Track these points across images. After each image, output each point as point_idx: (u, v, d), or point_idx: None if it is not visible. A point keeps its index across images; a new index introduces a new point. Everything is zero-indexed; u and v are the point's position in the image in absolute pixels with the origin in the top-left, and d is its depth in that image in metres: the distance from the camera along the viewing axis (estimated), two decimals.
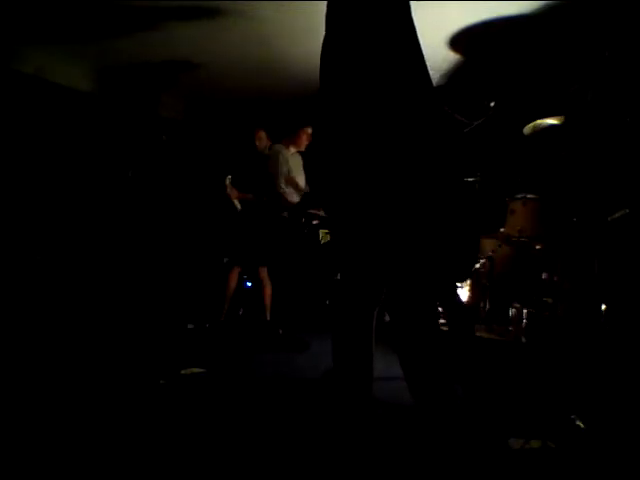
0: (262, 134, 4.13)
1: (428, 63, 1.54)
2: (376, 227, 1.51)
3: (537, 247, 3.18)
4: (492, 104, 3.34)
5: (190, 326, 4.10)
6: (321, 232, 4.62)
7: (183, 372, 2.83)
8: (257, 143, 4.12)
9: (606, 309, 2.28)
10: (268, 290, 4.13)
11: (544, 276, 3.12)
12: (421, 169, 1.51)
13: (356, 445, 1.58)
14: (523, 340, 2.89)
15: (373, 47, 1.50)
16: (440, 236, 1.59)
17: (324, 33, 1.63)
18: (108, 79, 4.78)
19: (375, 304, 1.61)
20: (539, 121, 3.05)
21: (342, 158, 1.54)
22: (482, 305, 3.45)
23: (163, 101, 5.15)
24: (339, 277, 1.70)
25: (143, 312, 4.22)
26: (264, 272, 4.13)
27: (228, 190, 4.08)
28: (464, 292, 3.62)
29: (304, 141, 4.18)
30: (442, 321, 2.86)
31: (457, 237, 1.62)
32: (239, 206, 4.15)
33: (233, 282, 4.10)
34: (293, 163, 4.21)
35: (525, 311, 2.94)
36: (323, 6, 3.47)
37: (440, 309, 2.79)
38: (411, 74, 1.51)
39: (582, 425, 1.96)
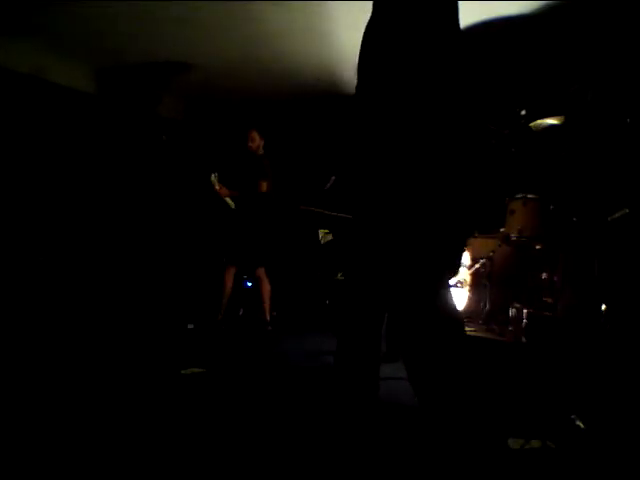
0: (255, 134, 4.14)
1: None
2: (392, 226, 1.49)
3: (537, 247, 3.18)
4: (523, 112, 3.32)
5: (190, 326, 4.11)
6: (320, 232, 4.62)
7: (183, 372, 2.83)
8: (250, 144, 4.12)
9: (606, 309, 2.27)
10: (267, 290, 4.13)
11: (544, 276, 3.12)
12: (446, 174, 1.48)
13: (360, 446, 1.57)
14: (523, 340, 2.89)
15: (417, 43, 1.46)
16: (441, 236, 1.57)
17: (370, 16, 1.57)
18: (108, 79, 4.78)
19: (385, 305, 1.59)
20: (539, 121, 3.05)
21: (371, 156, 1.52)
22: (482, 305, 3.45)
23: (163, 101, 5.15)
24: (346, 277, 1.66)
25: (143, 312, 4.22)
26: (262, 271, 4.13)
27: (217, 187, 4.08)
28: (464, 292, 3.62)
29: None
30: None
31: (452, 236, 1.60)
32: (232, 204, 4.14)
33: (229, 282, 4.09)
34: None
35: (525, 311, 2.94)
36: (323, 6, 3.48)
37: None
38: (451, 76, 1.47)
39: (582, 425, 1.96)
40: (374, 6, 1.57)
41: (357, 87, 1.59)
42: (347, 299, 1.64)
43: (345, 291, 1.65)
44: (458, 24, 1.53)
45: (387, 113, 1.48)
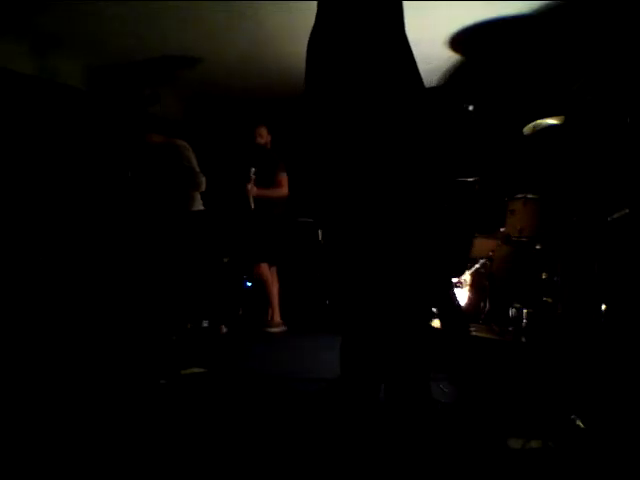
0: (263, 130, 4.15)
1: (428, 61, 1.52)
2: (369, 231, 1.47)
3: (537, 247, 3.18)
4: (471, 107, 3.35)
5: (189, 326, 4.10)
6: (320, 232, 4.61)
7: (183, 372, 2.83)
8: (258, 139, 4.12)
9: (606, 309, 2.27)
10: (275, 289, 4.11)
11: (544, 276, 3.12)
12: (412, 171, 1.47)
13: (361, 448, 1.56)
14: (523, 340, 2.89)
15: (364, 44, 1.47)
16: (433, 236, 1.56)
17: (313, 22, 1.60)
18: (107, 78, 4.78)
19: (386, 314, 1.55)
20: (539, 121, 3.06)
21: (330, 160, 1.52)
22: (482, 305, 3.44)
23: (163, 101, 5.14)
24: (344, 287, 1.63)
25: (144, 312, 4.22)
26: (273, 271, 4.12)
27: (250, 184, 4.02)
28: (464, 292, 3.62)
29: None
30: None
31: (449, 236, 1.59)
32: (253, 204, 4.11)
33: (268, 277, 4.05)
34: None
35: (525, 311, 2.94)
36: None
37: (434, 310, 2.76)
38: (402, 75, 1.48)
39: (582, 425, 1.96)
40: (317, 12, 1.59)
41: (305, 93, 1.61)
42: (351, 308, 1.59)
43: (348, 302, 1.61)
44: (403, 25, 1.53)
45: (341, 119, 1.49)
